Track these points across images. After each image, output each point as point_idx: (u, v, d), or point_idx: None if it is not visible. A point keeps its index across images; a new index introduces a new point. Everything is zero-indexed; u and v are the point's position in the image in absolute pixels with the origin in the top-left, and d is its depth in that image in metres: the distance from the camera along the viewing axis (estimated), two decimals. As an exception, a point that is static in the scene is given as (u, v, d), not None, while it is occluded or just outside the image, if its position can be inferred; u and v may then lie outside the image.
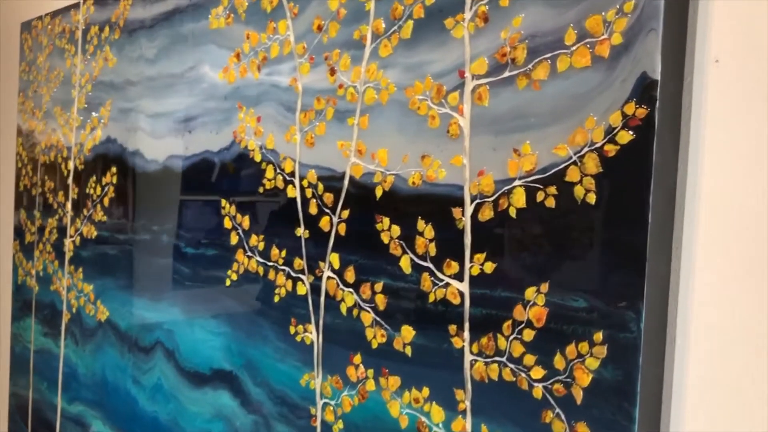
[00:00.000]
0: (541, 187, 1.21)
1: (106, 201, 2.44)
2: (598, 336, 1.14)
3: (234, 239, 1.90)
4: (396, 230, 1.46)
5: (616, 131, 1.12)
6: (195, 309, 2.03)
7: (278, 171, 1.75)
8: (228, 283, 1.92)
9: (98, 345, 2.49)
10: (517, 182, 1.24)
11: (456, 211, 1.34)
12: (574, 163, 1.16)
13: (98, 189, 2.48)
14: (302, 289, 1.69)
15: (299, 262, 1.70)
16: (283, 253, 1.74)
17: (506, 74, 1.27)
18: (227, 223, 1.93)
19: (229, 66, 1.90)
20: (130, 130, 2.31)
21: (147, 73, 2.23)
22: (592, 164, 1.14)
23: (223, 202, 1.94)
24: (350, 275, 1.56)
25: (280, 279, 1.75)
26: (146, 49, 2.23)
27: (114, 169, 2.40)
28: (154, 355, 2.20)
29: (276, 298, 1.76)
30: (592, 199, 1.15)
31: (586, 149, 1.15)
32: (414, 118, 1.42)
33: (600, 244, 1.14)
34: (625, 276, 1.11)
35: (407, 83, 1.44)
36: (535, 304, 1.22)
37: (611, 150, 1.12)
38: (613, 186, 1.12)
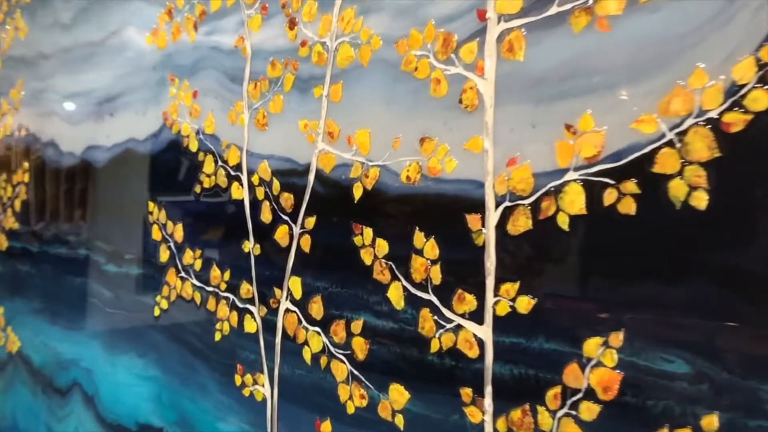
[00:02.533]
0: (612, 182, 0.77)
1: (17, 204, 1.96)
2: (711, 422, 0.70)
3: (164, 255, 1.44)
4: (382, 246, 1.01)
5: (744, 91, 0.68)
6: (118, 344, 1.57)
7: (219, 163, 1.29)
8: (157, 312, 1.46)
9: (9, 382, 2.01)
10: (571, 175, 0.81)
11: (473, 220, 0.90)
12: (670, 143, 0.73)
13: (9, 189, 2.00)
14: (251, 326, 1.23)
15: (247, 288, 1.24)
16: (227, 276, 1.29)
17: (553, 10, 0.83)
18: (156, 234, 1.46)
19: (159, 27, 1.44)
20: (43, 116, 1.84)
21: (62, 43, 1.76)
22: (702, 145, 0.71)
23: (151, 205, 1.47)
24: (317, 309, 1.11)
25: (223, 310, 1.29)
26: (61, 12, 1.76)
27: (26, 165, 1.92)
28: (70, 399, 1.73)
29: (217, 336, 1.31)
30: (701, 201, 0.71)
31: (690, 121, 0.72)
32: (409, 84, 0.98)
33: (713, 273, 0.71)
34: (758, 326, 0.68)
35: (399, 33, 0.99)
36: (600, 365, 0.78)
37: (735, 122, 0.69)
38: (738, 181, 0.69)
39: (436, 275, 0.95)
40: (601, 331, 0.79)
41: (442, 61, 0.94)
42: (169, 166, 1.42)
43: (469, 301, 0.91)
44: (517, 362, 0.86)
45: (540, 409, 0.84)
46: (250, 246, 1.23)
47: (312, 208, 1.12)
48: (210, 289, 1.32)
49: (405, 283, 0.99)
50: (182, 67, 1.38)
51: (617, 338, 0.77)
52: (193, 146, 1.36)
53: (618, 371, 0.77)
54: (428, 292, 0.96)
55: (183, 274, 1.39)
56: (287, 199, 1.16)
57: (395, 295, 1.00)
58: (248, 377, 1.24)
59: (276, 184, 1.18)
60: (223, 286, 1.29)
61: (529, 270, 0.85)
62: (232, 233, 1.28)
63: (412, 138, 0.98)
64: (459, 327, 0.92)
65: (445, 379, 0.94)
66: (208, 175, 1.32)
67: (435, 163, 0.95)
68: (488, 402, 0.89)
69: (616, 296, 0.78)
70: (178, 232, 1.40)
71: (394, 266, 1.00)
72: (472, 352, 0.91)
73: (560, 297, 0.83)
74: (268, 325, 1.20)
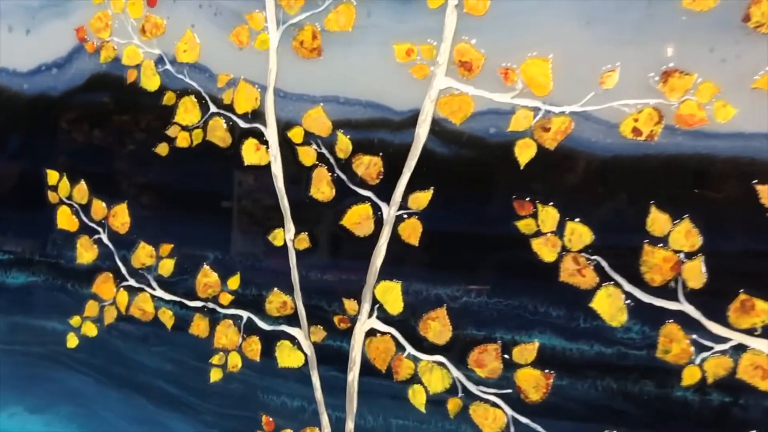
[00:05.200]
0: None
1: None
2: None
3: (87, 253, 0.93)
4: (580, 233, 0.68)
5: None
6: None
7: (212, 110, 0.83)
8: (73, 342, 0.95)
9: None
10: None
11: (775, 192, 0.61)
12: None
13: None
14: (292, 357, 0.82)
15: (282, 301, 0.82)
16: (234, 283, 0.84)
17: None
18: (65, 221, 0.94)
19: None
20: None
21: None
22: None
23: (53, 176, 0.94)
24: (437, 328, 0.74)
25: (226, 335, 0.85)
26: None
27: None
28: None
29: (214, 375, 0.86)
30: None
31: None
32: (633, -9, 0.65)
33: None
34: None
35: None
36: None
37: None
38: None
39: (695, 275, 0.65)
40: None
41: (708, -44, 0.62)
42: (94, 113, 0.91)
43: (764, 311, 0.62)
44: None
45: None
46: (286, 236, 0.81)
47: (423, 179, 0.74)
48: (195, 303, 0.86)
49: (629, 288, 0.67)
50: (119, -45, 0.87)
51: None
52: (150, 82, 0.87)
53: None
54: (678, 300, 0.65)
55: (132, 281, 0.90)
56: (370, 166, 0.76)
57: (608, 306, 0.68)
58: (287, 434, 0.82)
59: (343, 142, 0.77)
60: (227, 298, 0.85)
61: None
62: (242, 215, 0.83)
63: (640, 71, 0.65)
64: (741, 348, 0.63)
65: (709, 422, 0.65)
66: (187, 128, 0.85)
67: (693, 108, 0.64)
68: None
69: None
70: (120, 216, 0.90)
71: (605, 263, 0.67)
72: (768, 383, 0.63)
73: None
74: (330, 356, 0.80)
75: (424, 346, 0.75)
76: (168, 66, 0.86)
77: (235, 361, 0.85)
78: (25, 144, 0.97)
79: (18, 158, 0.97)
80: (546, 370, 0.71)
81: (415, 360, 0.76)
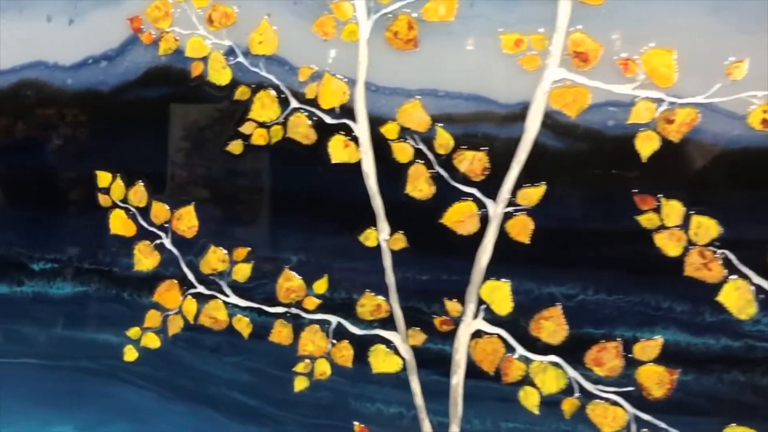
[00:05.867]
0: None
1: None
2: None
3: (147, 259, 0.87)
4: (707, 227, 0.67)
5: None
6: (13, 412, 0.94)
7: (293, 105, 0.79)
8: (132, 355, 0.89)
9: None
10: None
11: None
12: None
13: None
14: (388, 362, 0.79)
15: (376, 304, 0.78)
16: (321, 287, 0.80)
17: None
18: (120, 225, 0.88)
19: None
20: None
21: None
22: None
23: (104, 178, 0.88)
24: (551, 328, 0.73)
25: (313, 341, 0.81)
26: None
27: None
28: None
29: (299, 384, 0.82)
30: None
31: None
32: (763, -21, 0.64)
33: None
34: None
35: None
36: None
37: None
38: None
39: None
40: None
41: None
42: (151, 109, 0.84)
43: None
44: None
45: None
46: (380, 236, 0.77)
47: (533, 174, 0.72)
48: (276, 310, 0.82)
49: (757, 280, 0.66)
50: (180, -61, 0.81)
51: None
52: (219, 76, 0.81)
53: None
54: (816, 291, 0.65)
55: (201, 288, 0.84)
56: (474, 161, 0.73)
57: (736, 299, 0.67)
58: (383, 444, 0.79)
59: (443, 138, 0.74)
60: (313, 303, 0.80)
61: None
62: (328, 215, 0.79)
63: (769, 62, 0.65)
64: None
65: None
66: (264, 125, 0.80)
67: (834, 98, 0.63)
68: None
69: None
70: (186, 220, 0.84)
71: (732, 256, 0.67)
72: None
73: None
74: (430, 359, 0.77)
75: (536, 346, 0.73)
76: (240, 58, 0.80)
77: (323, 369, 0.81)
78: (69, 143, 0.89)
79: (62, 158, 0.90)
80: (669, 366, 0.70)
81: (526, 361, 0.74)
